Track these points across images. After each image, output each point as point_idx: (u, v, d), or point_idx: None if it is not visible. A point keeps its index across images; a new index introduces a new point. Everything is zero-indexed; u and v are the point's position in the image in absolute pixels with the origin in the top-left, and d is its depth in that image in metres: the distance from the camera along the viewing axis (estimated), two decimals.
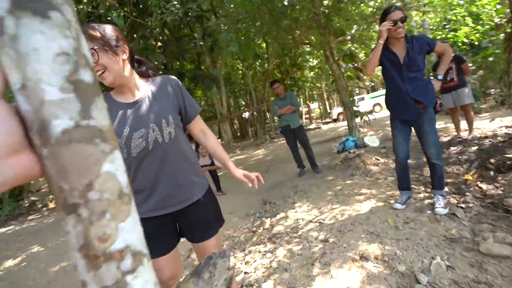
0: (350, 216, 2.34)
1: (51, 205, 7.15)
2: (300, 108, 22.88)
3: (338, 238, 2.01)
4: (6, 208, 6.67)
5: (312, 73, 16.98)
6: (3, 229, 5.84)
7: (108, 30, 1.00)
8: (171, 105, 1.08)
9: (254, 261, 2.10)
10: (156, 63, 4.14)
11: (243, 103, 20.86)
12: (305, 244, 2.07)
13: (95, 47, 0.93)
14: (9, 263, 3.59)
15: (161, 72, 4.59)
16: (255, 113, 15.42)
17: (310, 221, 2.49)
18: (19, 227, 5.74)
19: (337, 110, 16.04)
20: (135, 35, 3.66)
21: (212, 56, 6.79)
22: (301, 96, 18.98)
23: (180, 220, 1.14)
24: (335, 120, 15.58)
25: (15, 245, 4.41)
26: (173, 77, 1.14)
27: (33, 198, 7.65)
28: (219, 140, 19.45)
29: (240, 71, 15.65)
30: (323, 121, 20.19)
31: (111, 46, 0.96)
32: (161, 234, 1.10)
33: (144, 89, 1.08)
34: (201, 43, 4.67)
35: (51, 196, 7.56)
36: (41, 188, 9.06)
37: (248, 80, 13.95)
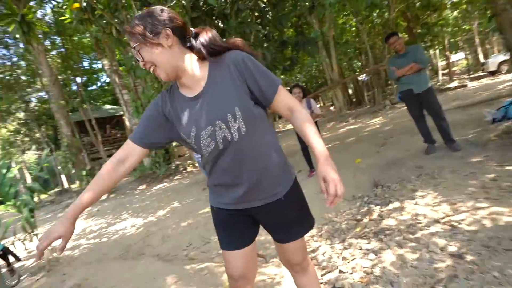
0: (508, 226, 1.58)
1: (189, 168, 8.92)
2: (435, 63, 18.11)
3: (482, 258, 1.38)
4: (161, 169, 8.85)
5: (456, 12, 12.75)
6: (159, 185, 7.83)
7: (143, 18, 0.88)
8: (238, 92, 0.90)
9: (353, 259, 1.79)
10: (255, 35, 4.01)
11: (359, 64, 18.46)
12: (424, 254, 1.56)
13: (135, 45, 0.88)
14: (159, 213, 4.74)
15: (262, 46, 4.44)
16: (372, 75, 13.37)
17: (436, 221, 1.87)
18: (168, 185, 7.52)
19: (497, 58, 11.60)
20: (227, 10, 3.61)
21: (315, 16, 6.08)
22: (436, 48, 14.84)
23: (259, 217, 1.04)
24: (493, 73, 11.39)
25: (164, 199, 5.79)
26: (237, 52, 0.93)
27: (177, 162, 9.79)
28: (332, 108, 18.20)
29: (354, 28, 13.66)
30: (471, 75, 15.27)
31: (148, 38, 0.86)
32: (236, 228, 1.05)
33: (206, 77, 0.93)
34: (299, 3, 4.17)
35: (189, 161, 9.45)
36: (184, 153, 11.46)
37: (363, 36, 12.03)
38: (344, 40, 13.47)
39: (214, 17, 4.04)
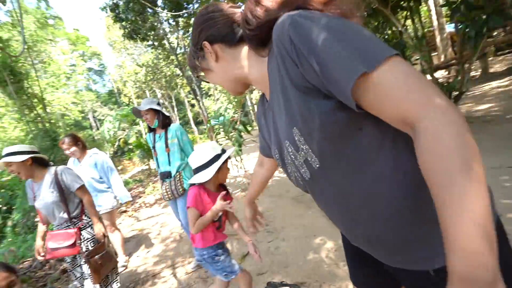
0: None
1: None
2: None
3: None
4: None
5: None
6: None
7: (193, 32, 0.71)
8: (292, 98, 0.54)
9: None
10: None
11: None
12: None
13: (197, 59, 0.74)
14: None
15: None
16: None
17: None
18: None
19: None
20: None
21: None
22: None
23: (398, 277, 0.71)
24: None
25: None
26: (279, 23, 0.52)
27: None
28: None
29: None
30: None
31: (197, 59, 0.73)
32: (361, 263, 0.79)
33: (268, 79, 0.65)
34: None
35: None
36: None
37: None
38: None
39: None
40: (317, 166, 0.56)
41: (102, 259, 1.84)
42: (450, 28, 9.63)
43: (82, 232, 1.87)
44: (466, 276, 0.34)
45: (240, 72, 0.69)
